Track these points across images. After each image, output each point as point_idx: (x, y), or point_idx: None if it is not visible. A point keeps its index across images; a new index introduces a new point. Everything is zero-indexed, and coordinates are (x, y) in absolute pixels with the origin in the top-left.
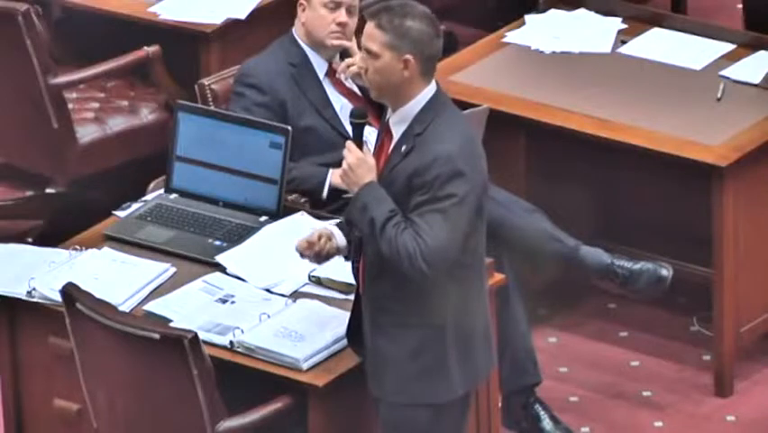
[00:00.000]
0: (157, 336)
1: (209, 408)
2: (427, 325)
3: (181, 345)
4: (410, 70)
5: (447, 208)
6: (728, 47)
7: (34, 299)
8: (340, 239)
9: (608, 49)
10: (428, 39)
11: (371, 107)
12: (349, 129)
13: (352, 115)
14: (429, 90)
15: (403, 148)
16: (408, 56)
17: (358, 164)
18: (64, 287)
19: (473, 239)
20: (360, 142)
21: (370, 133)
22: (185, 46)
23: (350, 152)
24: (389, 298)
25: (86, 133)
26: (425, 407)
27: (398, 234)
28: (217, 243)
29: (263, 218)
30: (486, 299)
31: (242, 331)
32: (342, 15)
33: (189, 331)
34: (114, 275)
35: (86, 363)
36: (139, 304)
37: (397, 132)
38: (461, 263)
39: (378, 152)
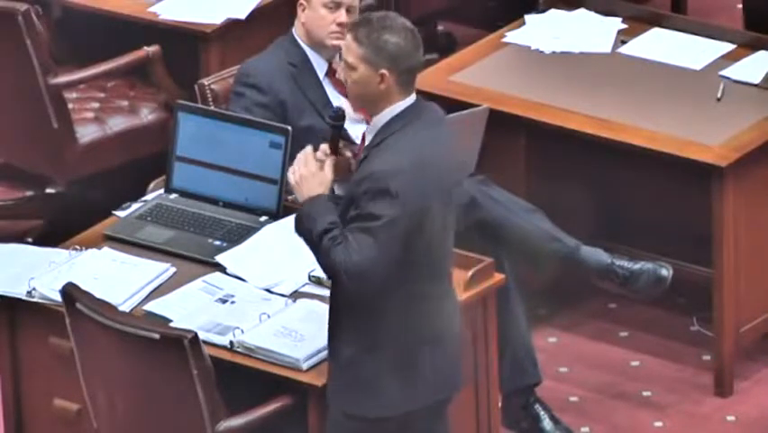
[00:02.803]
0: (157, 336)
1: (209, 408)
2: (358, 341)
3: (181, 345)
4: (386, 84)
5: (373, 229)
6: (728, 47)
7: (34, 299)
8: None
9: (608, 49)
10: (405, 53)
11: None
12: (349, 129)
13: (331, 116)
14: (404, 102)
15: (362, 157)
16: (384, 70)
17: (310, 176)
18: (64, 287)
19: (416, 262)
20: (337, 143)
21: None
22: (185, 46)
23: (304, 164)
24: (331, 308)
25: (87, 133)
26: (355, 418)
27: (332, 247)
28: (217, 243)
29: (263, 218)
30: (448, 321)
31: (242, 331)
32: (342, 15)
33: (189, 331)
34: (113, 275)
35: (86, 364)
36: (139, 304)
37: (367, 140)
38: (400, 285)
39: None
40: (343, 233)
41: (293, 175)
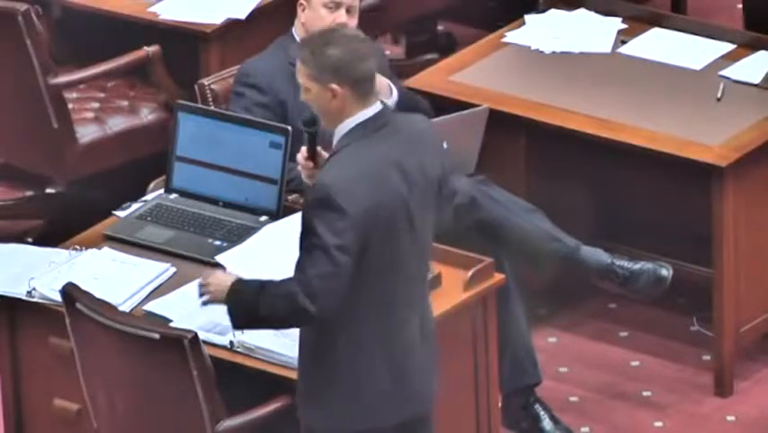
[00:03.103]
0: (157, 336)
1: (209, 408)
2: (308, 357)
3: (181, 345)
4: (339, 98)
5: (320, 245)
6: (728, 47)
7: (34, 299)
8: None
9: (607, 49)
10: (350, 65)
11: None
12: None
13: (303, 122)
14: (364, 113)
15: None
16: (333, 85)
17: (214, 281)
18: (64, 287)
19: (366, 281)
20: (313, 150)
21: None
22: (185, 46)
23: (204, 281)
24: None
25: (86, 133)
26: (307, 428)
27: (279, 285)
28: (217, 243)
29: (263, 218)
30: (413, 335)
31: (242, 331)
32: (341, 16)
33: (189, 331)
34: (113, 275)
35: (86, 364)
36: (139, 304)
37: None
38: (350, 306)
39: None
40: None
41: (204, 297)
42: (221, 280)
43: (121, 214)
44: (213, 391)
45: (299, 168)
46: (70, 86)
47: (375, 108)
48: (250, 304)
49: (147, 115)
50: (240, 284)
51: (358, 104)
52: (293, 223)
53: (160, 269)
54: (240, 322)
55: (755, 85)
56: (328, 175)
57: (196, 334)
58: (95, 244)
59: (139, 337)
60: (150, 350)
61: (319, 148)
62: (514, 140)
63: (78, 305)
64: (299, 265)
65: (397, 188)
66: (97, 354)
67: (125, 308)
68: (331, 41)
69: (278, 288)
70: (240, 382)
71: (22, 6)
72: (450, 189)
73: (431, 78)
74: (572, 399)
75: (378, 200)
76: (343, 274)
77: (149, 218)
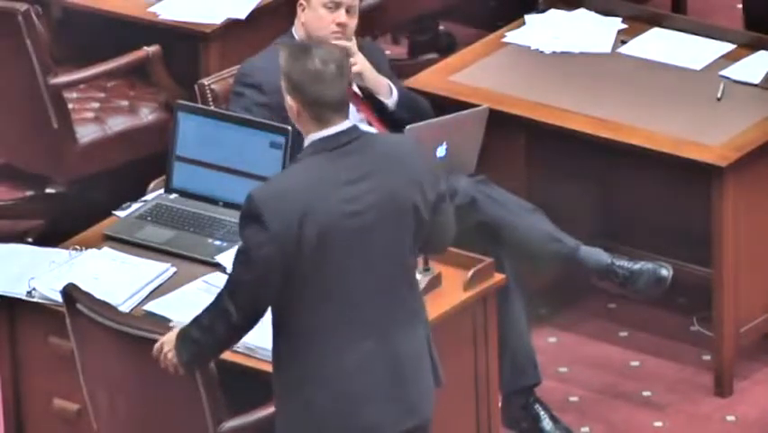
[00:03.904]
0: (158, 336)
1: (212, 409)
2: (273, 369)
3: None
4: (295, 112)
5: (240, 254)
6: (728, 47)
7: (34, 299)
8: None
9: (607, 49)
10: (304, 85)
11: (370, 108)
12: None
13: None
14: (323, 132)
15: None
16: (289, 99)
17: (165, 344)
18: (65, 287)
19: (303, 298)
20: None
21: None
22: (185, 46)
23: (163, 342)
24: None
25: (87, 133)
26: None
27: (207, 307)
28: (217, 243)
29: None
30: (354, 368)
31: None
32: (341, 16)
33: None
34: (114, 275)
35: (86, 365)
36: (139, 304)
37: None
38: (293, 328)
39: None
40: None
41: (166, 364)
42: (170, 338)
43: (121, 214)
44: (216, 392)
45: None
46: (70, 86)
47: (338, 128)
48: (195, 335)
49: (147, 115)
50: (181, 328)
51: (312, 123)
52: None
53: (160, 269)
54: (196, 358)
55: (755, 85)
56: (259, 188)
57: None
58: (95, 243)
59: (142, 339)
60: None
61: None
62: (514, 140)
63: (79, 306)
64: (229, 273)
65: (336, 208)
66: (99, 355)
67: (125, 308)
68: (301, 57)
69: (209, 305)
70: (240, 382)
71: (23, 6)
72: (444, 210)
73: (431, 78)
74: (572, 399)
75: (308, 217)
76: (261, 285)
77: (149, 218)
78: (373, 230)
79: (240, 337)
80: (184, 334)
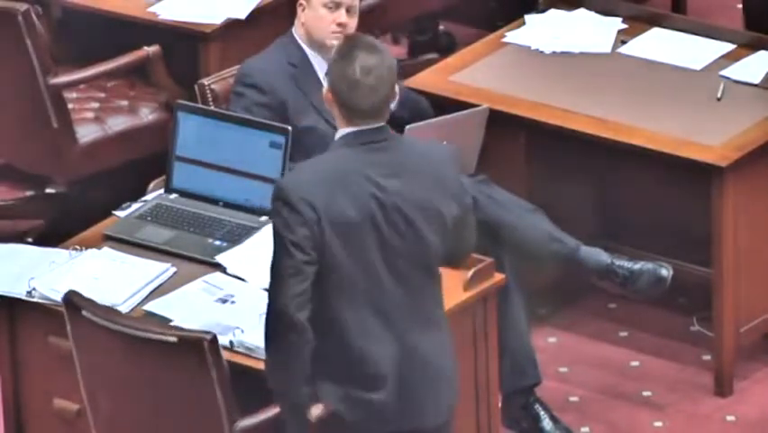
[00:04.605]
0: (174, 339)
1: (227, 408)
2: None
3: (200, 348)
4: (329, 103)
5: (275, 249)
6: (728, 47)
7: (34, 299)
8: None
9: (608, 49)
10: (340, 87)
11: None
12: None
13: None
14: (349, 129)
15: None
16: (326, 89)
17: None
18: (67, 295)
19: (326, 292)
20: None
21: None
22: (185, 46)
23: None
24: None
25: (87, 133)
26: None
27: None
28: (217, 243)
29: (263, 218)
30: (371, 359)
31: (242, 331)
32: (341, 15)
33: (207, 332)
34: (114, 275)
35: (89, 370)
36: (139, 304)
37: None
38: (314, 321)
39: None
40: None
41: None
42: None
43: (121, 214)
44: (229, 392)
45: None
46: (70, 86)
47: (370, 126)
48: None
49: (147, 114)
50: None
51: (343, 120)
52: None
53: (161, 269)
54: (279, 377)
55: (756, 85)
56: (287, 175)
57: (215, 335)
58: (95, 243)
59: (154, 342)
60: (166, 354)
61: None
62: (514, 140)
63: (85, 312)
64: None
65: (360, 202)
66: (104, 360)
67: (125, 308)
68: (344, 59)
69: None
70: (239, 381)
71: (23, 6)
72: (469, 224)
73: (431, 78)
74: (572, 399)
75: (331, 207)
76: (300, 270)
77: (149, 218)
78: (396, 230)
79: (289, 341)
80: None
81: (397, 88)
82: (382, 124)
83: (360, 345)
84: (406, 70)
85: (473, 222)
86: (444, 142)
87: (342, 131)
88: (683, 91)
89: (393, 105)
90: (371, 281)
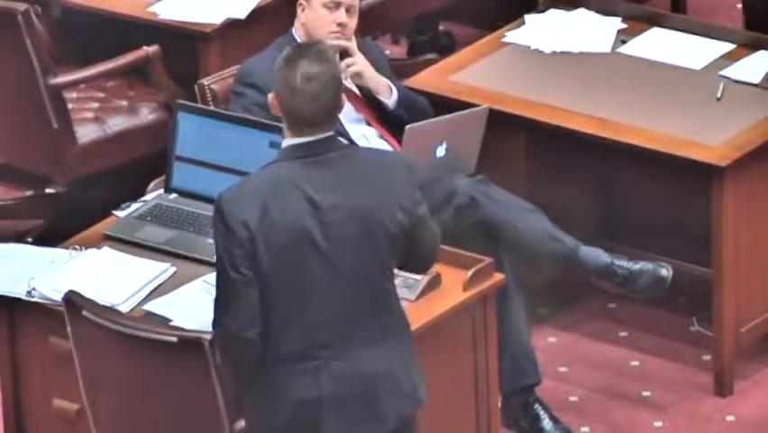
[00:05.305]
0: (174, 339)
1: (227, 408)
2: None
3: (201, 347)
4: (277, 115)
5: (218, 264)
6: (728, 47)
7: (34, 299)
8: None
9: (607, 48)
10: (284, 94)
11: (369, 108)
12: (349, 129)
13: None
14: (298, 139)
15: None
16: (271, 95)
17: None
18: (66, 295)
19: (267, 302)
20: None
21: (367, 136)
22: (184, 46)
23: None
24: None
25: (86, 133)
26: None
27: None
28: None
29: None
30: (312, 386)
31: None
32: (341, 15)
33: (207, 332)
34: (113, 275)
35: (89, 371)
36: (139, 304)
37: None
38: (265, 353)
39: None
40: None
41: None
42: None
43: (120, 214)
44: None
45: None
46: (70, 86)
47: (314, 137)
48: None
49: (147, 114)
50: None
51: (288, 129)
52: None
53: (160, 269)
54: (240, 383)
55: (755, 85)
56: (225, 192)
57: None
58: (94, 243)
59: (154, 341)
60: (166, 353)
61: None
62: (514, 140)
63: (85, 312)
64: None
65: (294, 218)
66: (104, 360)
67: (125, 307)
68: (288, 65)
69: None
70: None
71: (22, 6)
72: (424, 232)
73: (431, 78)
74: (572, 398)
75: (264, 223)
76: (237, 289)
77: (148, 218)
78: (334, 246)
79: (235, 362)
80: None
81: (344, 98)
82: (328, 134)
83: (284, 375)
84: (405, 70)
85: (431, 233)
86: (444, 142)
87: (285, 142)
88: (683, 91)
89: (392, 105)
90: (308, 300)
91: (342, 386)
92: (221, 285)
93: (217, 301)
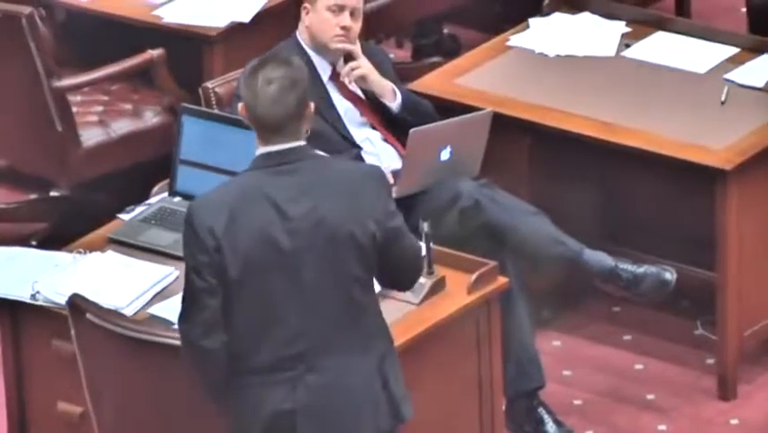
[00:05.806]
0: (178, 342)
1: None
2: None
3: None
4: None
5: (186, 275)
6: (732, 50)
7: (38, 302)
8: None
9: (611, 52)
10: (252, 102)
11: (374, 111)
12: (353, 133)
13: None
14: (267, 147)
15: None
16: (239, 106)
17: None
18: (71, 298)
19: (230, 323)
20: None
21: (373, 139)
22: (189, 49)
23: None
24: None
25: (90, 136)
26: None
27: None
28: None
29: None
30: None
31: None
32: (345, 19)
33: None
34: (118, 278)
35: (93, 375)
36: (143, 307)
37: None
38: (238, 364)
39: None
40: None
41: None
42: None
43: (125, 217)
44: None
45: None
46: (74, 89)
47: (284, 146)
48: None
49: (151, 118)
50: None
51: (258, 138)
52: None
53: (164, 272)
54: (211, 392)
55: (760, 88)
56: (196, 199)
57: None
58: (99, 247)
59: (158, 345)
60: (170, 356)
61: None
62: (518, 143)
63: (89, 316)
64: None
65: (261, 226)
66: (108, 363)
67: (129, 311)
68: (252, 71)
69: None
70: None
71: (26, 9)
72: (399, 248)
73: (435, 82)
74: (576, 402)
75: (230, 231)
76: (200, 298)
77: (153, 221)
78: (301, 256)
79: (217, 366)
80: None
81: (312, 107)
82: (299, 144)
83: (259, 387)
84: (410, 74)
85: (409, 245)
86: (448, 146)
87: (257, 151)
88: (687, 95)
89: (396, 108)
90: (278, 310)
91: (317, 399)
92: (184, 291)
93: (180, 309)
